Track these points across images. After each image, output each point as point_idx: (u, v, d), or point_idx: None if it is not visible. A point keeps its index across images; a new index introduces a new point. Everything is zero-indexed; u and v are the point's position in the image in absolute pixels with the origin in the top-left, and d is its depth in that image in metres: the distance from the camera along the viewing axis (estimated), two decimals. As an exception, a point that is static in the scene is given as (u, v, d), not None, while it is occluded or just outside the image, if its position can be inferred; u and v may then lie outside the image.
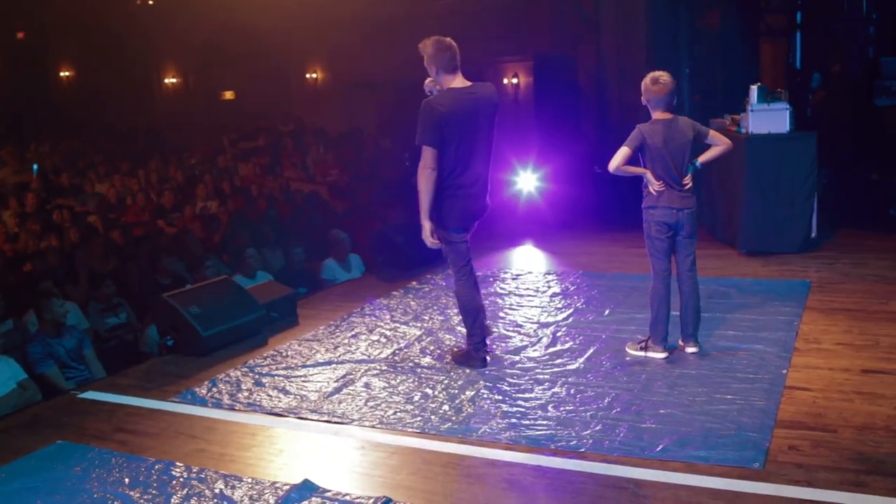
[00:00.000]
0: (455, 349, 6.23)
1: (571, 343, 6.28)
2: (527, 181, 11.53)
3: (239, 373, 6.07)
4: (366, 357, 6.25)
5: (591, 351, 6.07)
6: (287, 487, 4.24)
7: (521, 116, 12.28)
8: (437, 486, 4.24)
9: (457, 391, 5.46)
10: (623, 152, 5.67)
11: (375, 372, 5.91)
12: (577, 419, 4.91)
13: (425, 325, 6.97)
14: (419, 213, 5.61)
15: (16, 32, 25.85)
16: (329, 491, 4.19)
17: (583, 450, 4.52)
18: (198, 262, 8.91)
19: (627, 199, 11.19)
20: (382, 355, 6.26)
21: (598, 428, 4.77)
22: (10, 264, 10.66)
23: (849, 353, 5.78)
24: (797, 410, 4.89)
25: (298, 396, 5.53)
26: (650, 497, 4.00)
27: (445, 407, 5.21)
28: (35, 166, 18.15)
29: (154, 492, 4.32)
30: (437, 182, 5.55)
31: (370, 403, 5.34)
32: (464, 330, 6.17)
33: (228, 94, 25.67)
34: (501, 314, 7.17)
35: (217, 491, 4.27)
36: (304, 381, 5.81)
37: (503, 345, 6.34)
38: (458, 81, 5.63)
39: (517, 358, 6.03)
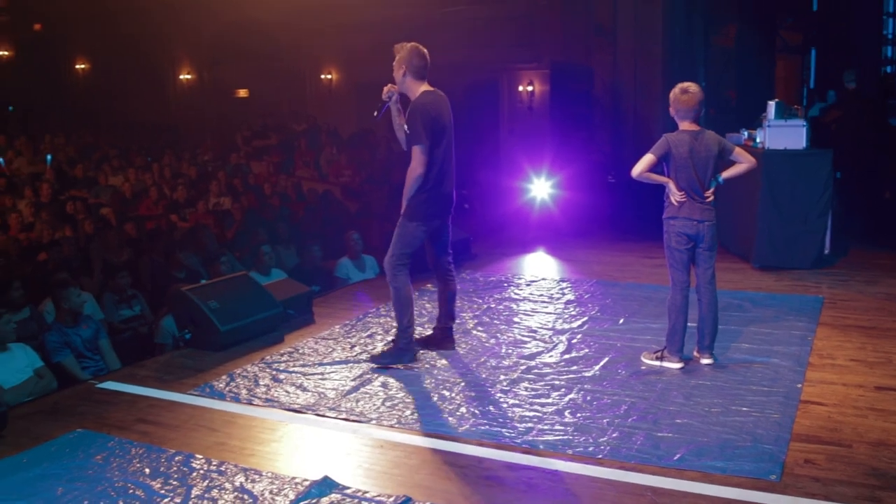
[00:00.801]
0: (379, 350, 6.32)
1: (587, 350, 6.32)
2: (541, 188, 11.59)
3: (256, 368, 6.12)
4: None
5: (606, 359, 6.11)
6: (307, 483, 4.28)
7: (536, 124, 12.30)
8: (457, 487, 4.27)
9: (474, 394, 5.50)
10: (648, 159, 5.70)
11: (392, 372, 5.95)
12: (594, 426, 4.95)
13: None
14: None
15: (33, 25, 25.98)
16: (349, 488, 4.23)
17: (600, 456, 4.56)
18: (213, 258, 8.95)
19: (641, 208, 11.29)
20: (398, 356, 6.29)
21: (614, 435, 4.81)
22: (25, 253, 10.73)
23: (862, 370, 5.82)
24: (812, 424, 4.92)
25: (316, 394, 5.57)
26: (668, 505, 4.04)
27: (463, 409, 5.25)
28: (49, 157, 18.24)
29: (175, 483, 4.36)
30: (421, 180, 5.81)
31: (388, 403, 5.38)
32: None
33: (242, 92, 25.75)
34: (516, 319, 7.21)
35: (237, 484, 4.32)
36: (321, 379, 5.85)
37: (518, 350, 6.38)
38: (427, 87, 5.86)
39: (533, 363, 6.07)
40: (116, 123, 24.16)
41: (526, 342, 6.57)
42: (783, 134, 8.78)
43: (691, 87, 5.73)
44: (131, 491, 4.29)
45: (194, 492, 4.25)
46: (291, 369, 6.07)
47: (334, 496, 4.17)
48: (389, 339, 6.52)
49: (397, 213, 6.02)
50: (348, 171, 17.45)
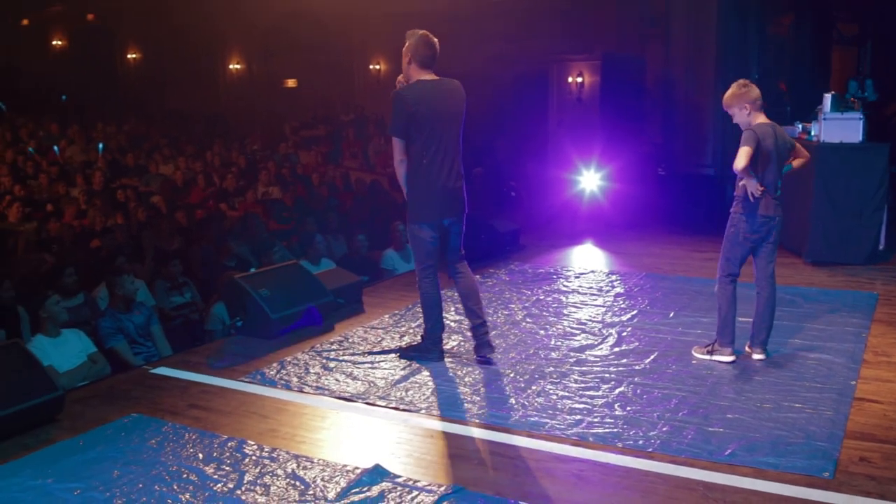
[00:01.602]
0: (405, 344, 6.33)
1: (637, 344, 6.28)
2: (590, 180, 11.54)
3: (307, 356, 6.17)
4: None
5: (656, 352, 6.07)
6: (359, 471, 4.31)
7: (586, 115, 12.23)
8: (507, 477, 4.28)
9: (523, 385, 5.50)
10: (747, 151, 5.47)
11: (441, 363, 5.96)
12: (644, 419, 4.92)
13: (489, 318, 6.98)
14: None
15: (86, 15, 26.37)
16: (400, 477, 4.25)
17: (650, 450, 4.53)
18: (266, 247, 9.03)
19: (691, 201, 11.20)
20: (447, 346, 6.30)
21: (665, 429, 4.78)
22: (78, 240, 10.91)
23: (919, 368, 5.72)
24: (867, 422, 4.85)
25: (366, 382, 5.60)
26: (721, 500, 4.00)
27: (512, 400, 5.25)
28: (101, 146, 18.52)
29: (227, 468, 4.41)
30: (409, 174, 5.69)
31: (437, 393, 5.39)
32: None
33: (291, 83, 25.91)
34: (565, 311, 7.19)
35: (289, 471, 4.36)
36: (371, 368, 5.88)
37: (568, 342, 6.36)
38: (428, 75, 5.69)
39: (583, 356, 6.04)
40: (167, 113, 24.45)
41: (575, 334, 6.55)
42: (839, 127, 8.65)
43: (745, 82, 5.73)
44: (185, 475, 4.35)
45: (247, 477, 4.30)
46: (341, 358, 6.11)
47: (385, 484, 4.19)
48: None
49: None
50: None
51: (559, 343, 6.33)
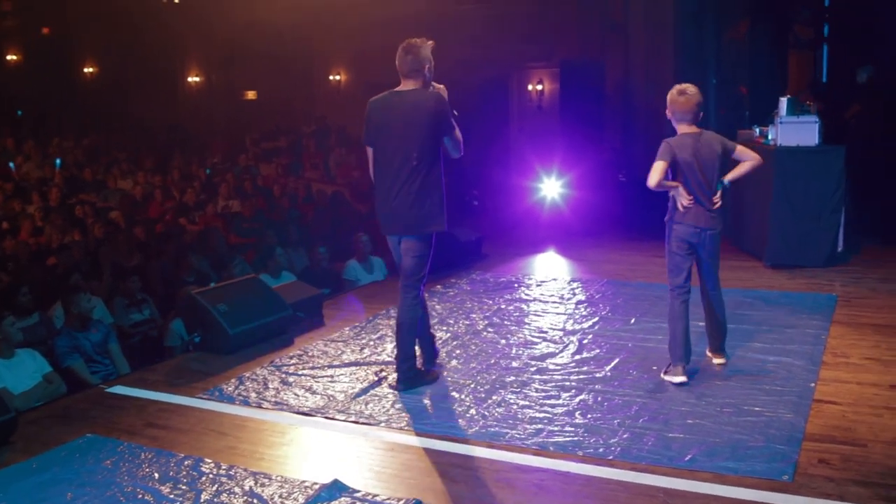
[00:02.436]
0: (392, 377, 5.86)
1: (598, 351, 6.28)
2: (551, 188, 11.55)
3: (266, 371, 6.10)
4: (392, 359, 6.23)
5: (617, 359, 6.06)
6: (317, 487, 4.26)
7: (546, 123, 12.27)
8: (467, 489, 4.24)
9: (483, 395, 5.47)
10: (660, 167, 5.43)
11: (402, 374, 5.91)
12: (605, 427, 4.91)
13: (451, 329, 6.97)
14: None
15: (41, 28, 26.07)
16: (359, 491, 4.20)
17: (611, 457, 4.52)
18: (225, 261, 8.95)
19: (652, 207, 11.22)
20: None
21: (625, 436, 4.77)
22: (34, 258, 10.74)
23: (877, 368, 5.76)
24: (826, 424, 4.87)
25: (326, 396, 5.55)
26: (681, 507, 4.00)
27: (472, 411, 5.22)
28: (58, 161, 18.29)
29: (184, 487, 4.34)
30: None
31: (397, 405, 5.35)
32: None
33: (251, 94, 25.78)
34: (526, 320, 7.17)
35: (247, 488, 4.29)
36: (330, 382, 5.83)
37: (529, 351, 6.34)
38: (401, 86, 5.53)
39: (543, 364, 6.02)
40: (125, 126, 24.22)
41: (536, 343, 6.53)
42: (795, 130, 8.71)
43: (689, 88, 5.49)
44: (140, 496, 4.27)
45: (203, 496, 4.23)
46: (301, 372, 6.04)
47: (344, 499, 4.14)
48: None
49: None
50: (357, 172, 17.43)
51: (520, 352, 6.31)
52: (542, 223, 11.34)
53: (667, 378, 5.62)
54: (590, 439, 4.74)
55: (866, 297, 7.58)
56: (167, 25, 23.98)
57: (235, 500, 4.18)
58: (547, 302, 7.76)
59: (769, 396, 5.26)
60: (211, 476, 4.45)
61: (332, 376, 5.94)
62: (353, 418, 5.17)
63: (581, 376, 5.76)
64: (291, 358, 6.38)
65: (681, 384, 5.50)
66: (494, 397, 5.43)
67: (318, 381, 5.84)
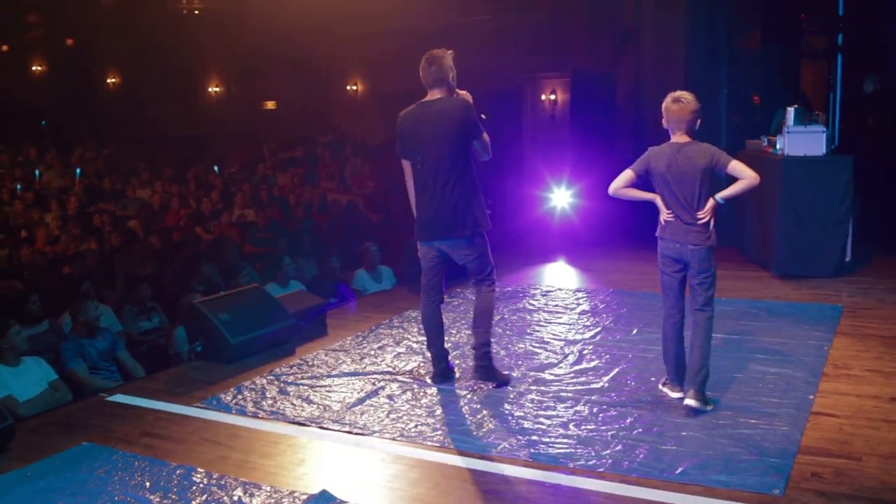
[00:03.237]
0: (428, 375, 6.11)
1: (597, 361, 6.26)
2: (561, 197, 11.54)
3: (264, 380, 6.13)
4: (391, 369, 6.27)
5: (616, 370, 6.05)
6: (304, 497, 4.27)
7: (558, 133, 12.26)
8: (455, 500, 4.24)
9: (479, 406, 5.47)
10: (625, 175, 5.28)
11: (399, 384, 5.93)
12: (598, 438, 4.90)
13: (452, 338, 6.97)
14: None
15: (65, 39, 26.37)
16: (346, 502, 4.21)
17: (601, 469, 4.50)
18: (234, 270, 9.00)
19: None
20: (407, 368, 6.29)
21: (618, 448, 4.75)
22: (49, 266, 10.84)
23: (878, 381, 5.70)
24: (822, 437, 4.83)
25: (321, 406, 5.57)
26: (667, 519, 3.98)
27: (466, 422, 5.22)
28: (78, 171, 18.46)
29: (174, 496, 4.37)
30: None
31: (392, 416, 5.36)
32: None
33: (270, 104, 25.93)
34: (529, 330, 7.16)
35: (235, 498, 4.31)
36: (328, 391, 5.85)
37: (528, 361, 6.33)
38: (428, 96, 5.65)
39: (542, 375, 6.02)
40: (146, 136, 24.42)
41: (537, 353, 6.52)
42: (803, 140, 8.67)
43: (684, 96, 5.20)
44: (131, 505, 4.31)
45: (192, 506, 4.26)
46: (299, 381, 6.07)
47: (331, 510, 4.16)
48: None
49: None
50: (371, 182, 17.48)
51: (520, 362, 6.30)
52: (552, 233, 11.32)
53: (664, 390, 5.59)
54: (582, 451, 4.73)
55: (873, 308, 7.51)
56: (188, 37, 24.18)
57: (224, 510, 4.20)
58: (551, 312, 7.75)
59: (766, 409, 5.22)
60: (201, 486, 4.48)
61: (329, 386, 5.96)
62: (346, 428, 5.19)
63: (578, 387, 5.74)
64: (291, 367, 6.41)
65: (678, 398, 5.40)
66: (490, 408, 5.42)
67: (315, 391, 5.86)
